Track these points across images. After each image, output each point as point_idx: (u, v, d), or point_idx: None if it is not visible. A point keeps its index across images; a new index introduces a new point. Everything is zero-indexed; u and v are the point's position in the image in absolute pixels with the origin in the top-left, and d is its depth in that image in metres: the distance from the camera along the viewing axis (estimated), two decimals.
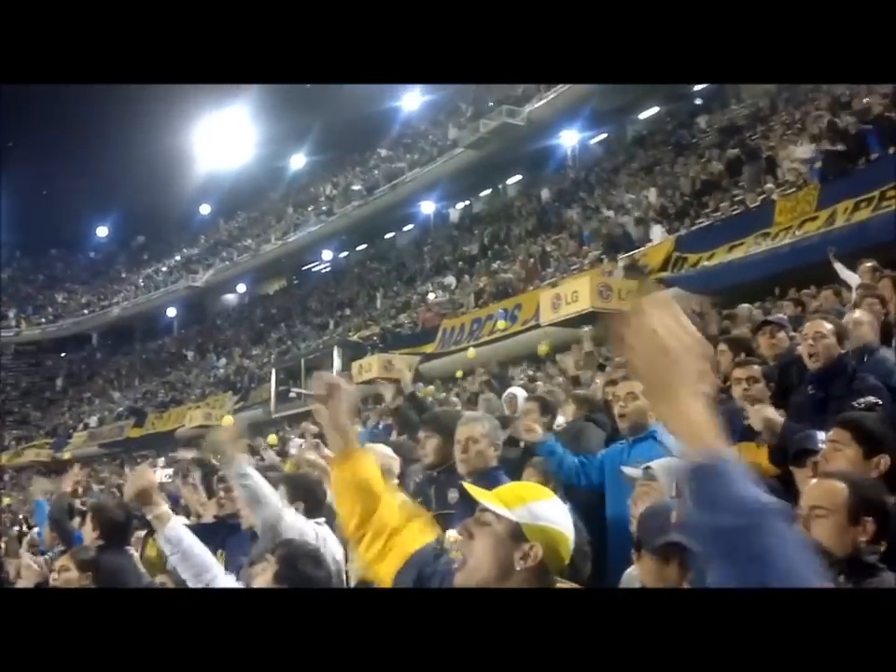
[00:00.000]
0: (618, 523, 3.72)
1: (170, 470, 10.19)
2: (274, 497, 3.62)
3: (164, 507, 3.11)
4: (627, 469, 3.19)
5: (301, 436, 10.41)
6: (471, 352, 12.90)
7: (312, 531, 3.57)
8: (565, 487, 4.15)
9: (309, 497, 3.85)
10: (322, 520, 3.82)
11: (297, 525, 3.55)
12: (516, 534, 1.81)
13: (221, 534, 4.18)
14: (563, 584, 1.98)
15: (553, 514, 1.86)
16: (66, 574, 3.54)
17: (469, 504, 1.93)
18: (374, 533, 2.13)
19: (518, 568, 1.80)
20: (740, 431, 3.83)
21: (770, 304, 10.35)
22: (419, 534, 2.14)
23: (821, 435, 3.08)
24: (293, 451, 9.50)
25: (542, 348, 11.95)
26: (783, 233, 14.27)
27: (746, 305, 9.32)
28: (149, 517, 3.13)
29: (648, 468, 2.88)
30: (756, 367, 4.22)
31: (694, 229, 16.92)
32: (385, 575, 2.10)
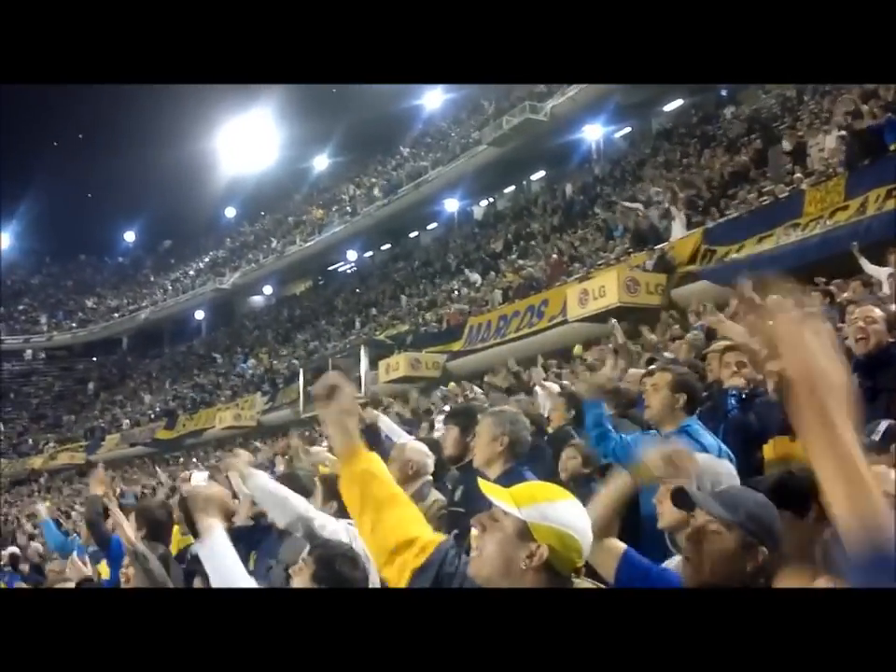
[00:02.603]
0: (650, 521, 3.65)
1: (206, 473, 10.25)
2: (297, 499, 3.61)
3: (217, 520, 3.11)
4: None
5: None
6: (578, 348, 12.39)
7: (344, 530, 3.54)
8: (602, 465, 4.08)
9: None
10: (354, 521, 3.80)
11: (326, 522, 3.53)
12: (523, 533, 1.80)
13: (256, 536, 4.19)
14: (582, 583, 1.95)
15: (564, 516, 1.83)
16: (132, 569, 3.53)
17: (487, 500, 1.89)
18: (383, 537, 2.01)
19: (523, 567, 1.78)
20: (778, 424, 3.75)
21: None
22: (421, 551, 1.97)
23: (883, 425, 2.99)
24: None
25: (578, 349, 11.78)
26: (813, 224, 14.04)
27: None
28: (199, 525, 3.13)
29: None
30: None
31: (723, 221, 16.70)
32: (395, 581, 1.97)
